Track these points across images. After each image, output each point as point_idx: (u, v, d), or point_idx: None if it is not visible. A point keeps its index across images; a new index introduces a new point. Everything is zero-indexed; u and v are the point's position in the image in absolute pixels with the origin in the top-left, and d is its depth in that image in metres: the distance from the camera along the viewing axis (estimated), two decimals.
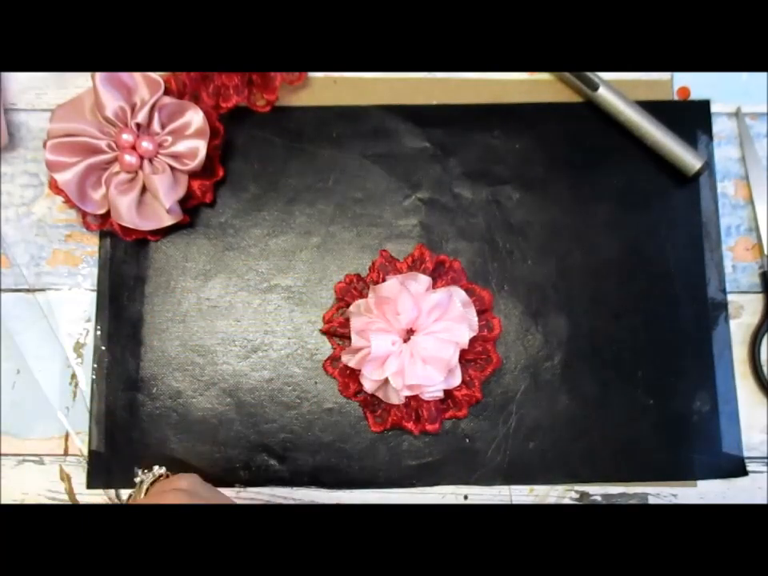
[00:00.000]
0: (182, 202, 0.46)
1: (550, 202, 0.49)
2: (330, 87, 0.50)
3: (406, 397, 0.43)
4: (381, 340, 0.42)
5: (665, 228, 0.48)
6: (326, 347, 0.47)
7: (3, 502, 0.45)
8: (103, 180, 0.45)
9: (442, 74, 0.50)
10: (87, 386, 0.46)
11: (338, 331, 0.46)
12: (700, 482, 0.46)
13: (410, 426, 0.44)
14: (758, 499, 0.46)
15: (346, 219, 0.48)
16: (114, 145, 0.45)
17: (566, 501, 0.46)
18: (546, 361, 0.47)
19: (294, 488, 0.46)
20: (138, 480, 0.44)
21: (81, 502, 0.45)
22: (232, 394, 0.46)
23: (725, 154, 0.50)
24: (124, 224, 0.45)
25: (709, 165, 0.49)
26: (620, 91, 0.49)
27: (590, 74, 0.48)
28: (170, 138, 0.45)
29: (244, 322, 0.47)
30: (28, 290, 0.48)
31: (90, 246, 0.48)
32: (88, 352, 0.47)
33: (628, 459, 0.46)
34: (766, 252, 0.48)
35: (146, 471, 0.45)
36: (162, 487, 0.43)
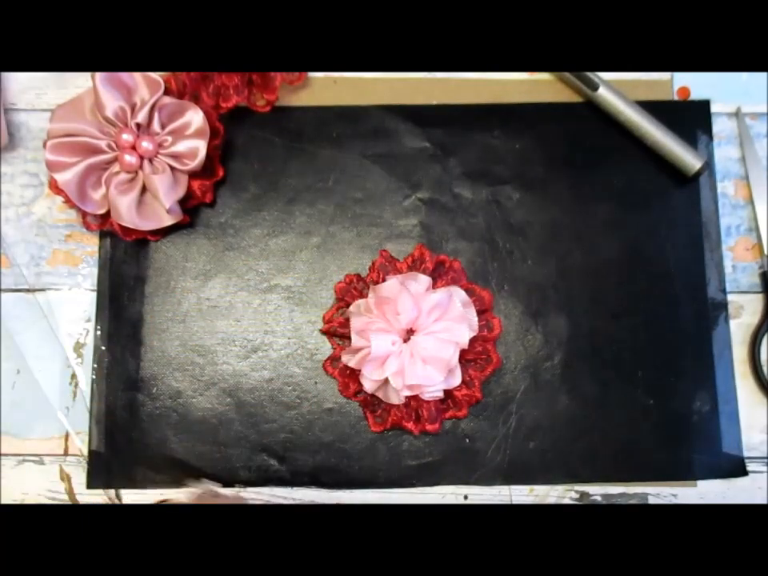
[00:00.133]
0: (182, 202, 0.46)
1: (550, 202, 0.49)
2: (329, 87, 0.50)
3: (406, 397, 0.43)
4: (381, 340, 0.42)
5: (665, 228, 0.48)
6: (326, 347, 0.47)
7: (3, 502, 0.45)
8: (103, 180, 0.45)
9: (441, 74, 0.50)
10: (87, 386, 0.46)
11: (338, 331, 0.46)
12: (700, 482, 0.46)
13: (410, 426, 0.44)
14: (758, 499, 0.46)
15: (346, 219, 0.48)
16: (113, 145, 0.45)
17: (566, 501, 0.46)
18: (545, 361, 0.47)
19: (294, 488, 0.46)
20: None
21: (81, 502, 0.45)
22: (232, 394, 0.46)
23: (725, 154, 0.50)
24: (124, 224, 0.45)
25: (709, 165, 0.49)
26: (620, 91, 0.49)
27: (590, 74, 0.48)
28: (169, 138, 0.45)
29: (244, 322, 0.47)
30: (28, 290, 0.48)
31: (90, 246, 0.48)
32: (88, 352, 0.47)
33: (628, 459, 0.46)
34: (766, 252, 0.48)
35: None
36: None
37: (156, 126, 0.45)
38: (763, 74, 0.51)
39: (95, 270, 0.48)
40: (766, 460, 0.46)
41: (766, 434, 0.47)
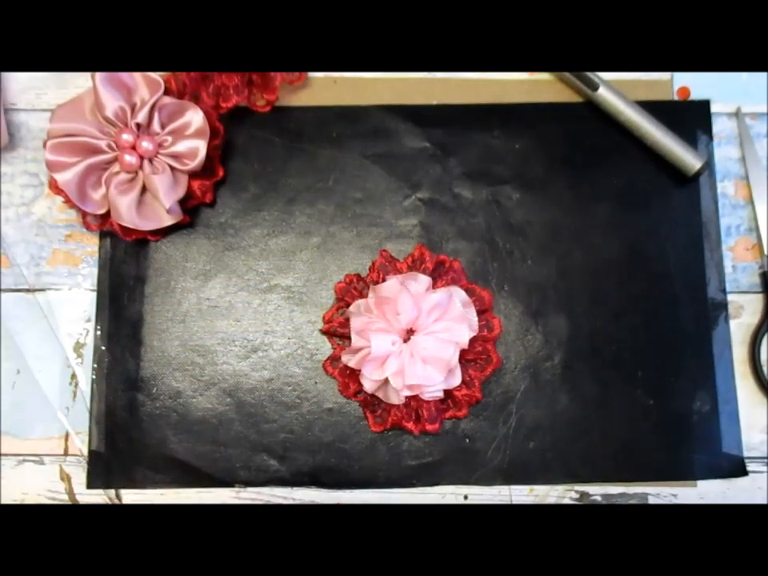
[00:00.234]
0: (182, 202, 0.46)
1: (550, 202, 0.49)
2: (329, 87, 0.50)
3: (406, 397, 0.43)
4: (381, 340, 0.42)
5: (665, 228, 0.48)
6: (326, 347, 0.47)
7: (3, 502, 0.45)
8: (103, 180, 0.45)
9: (441, 74, 0.50)
10: (87, 385, 0.46)
11: (338, 331, 0.46)
12: (700, 482, 0.46)
13: (410, 426, 0.44)
14: (758, 499, 0.46)
15: (345, 219, 0.48)
16: (114, 145, 0.45)
17: (566, 501, 0.46)
18: (545, 361, 0.47)
19: (294, 488, 0.46)
20: None
21: (81, 502, 0.45)
22: (232, 394, 0.46)
23: (725, 154, 0.50)
24: (124, 224, 0.45)
25: (709, 165, 0.49)
26: (620, 91, 0.49)
27: (590, 74, 0.48)
28: (169, 138, 0.45)
29: (244, 321, 0.47)
30: (28, 290, 0.48)
31: (90, 246, 0.48)
32: (88, 352, 0.47)
33: (628, 459, 0.46)
34: (766, 252, 0.48)
35: None
36: None
37: (156, 126, 0.45)
38: (763, 74, 0.51)
39: (95, 270, 0.48)
40: (765, 460, 0.46)
41: (766, 434, 0.47)
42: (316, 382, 0.47)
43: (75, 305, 0.48)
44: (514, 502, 0.46)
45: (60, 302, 0.48)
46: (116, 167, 0.45)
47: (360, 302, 0.44)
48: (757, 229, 0.49)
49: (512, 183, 0.49)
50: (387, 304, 0.42)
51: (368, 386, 0.43)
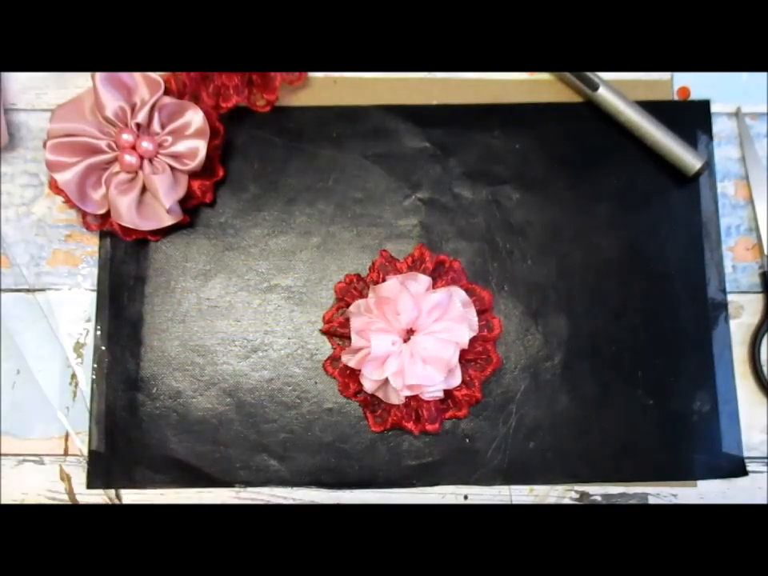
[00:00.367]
0: (182, 202, 0.46)
1: (550, 202, 0.49)
2: (329, 87, 0.50)
3: (406, 397, 0.43)
4: (381, 340, 0.42)
5: (665, 228, 0.48)
6: (326, 347, 0.47)
7: (3, 502, 0.45)
8: (103, 180, 0.45)
9: (441, 74, 0.50)
10: (87, 385, 0.46)
11: (338, 331, 0.46)
12: (700, 482, 0.46)
13: (410, 426, 0.44)
14: (758, 499, 0.46)
15: (345, 219, 0.48)
16: (114, 145, 0.45)
17: (566, 501, 0.46)
18: (545, 361, 0.47)
19: (294, 488, 0.46)
20: None
21: (81, 502, 0.45)
22: (232, 394, 0.46)
23: (725, 154, 0.50)
24: (124, 224, 0.45)
25: (709, 165, 0.49)
26: (620, 91, 0.49)
27: (590, 74, 0.48)
28: (170, 138, 0.45)
29: (244, 321, 0.47)
30: (28, 290, 0.48)
31: (90, 246, 0.48)
32: (88, 352, 0.47)
33: (628, 459, 0.46)
34: (766, 252, 0.48)
35: None
36: None
37: (156, 126, 0.45)
38: (763, 74, 0.51)
39: (95, 270, 0.48)
40: (766, 460, 0.46)
41: (766, 434, 0.47)
42: (316, 382, 0.47)
43: (75, 305, 0.48)
44: (513, 502, 0.46)
45: (60, 301, 0.48)
46: (116, 167, 0.45)
47: (360, 301, 0.44)
48: (757, 229, 0.49)
49: (512, 183, 0.49)
50: (387, 304, 0.42)
51: (368, 385, 0.43)
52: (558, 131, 0.49)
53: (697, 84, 0.50)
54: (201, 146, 0.45)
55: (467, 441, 0.46)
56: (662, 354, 0.47)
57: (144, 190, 0.45)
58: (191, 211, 0.48)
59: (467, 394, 0.45)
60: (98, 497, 0.45)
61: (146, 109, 0.44)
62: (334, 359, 0.46)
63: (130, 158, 0.44)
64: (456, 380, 0.44)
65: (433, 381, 0.42)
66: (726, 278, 0.48)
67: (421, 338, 0.43)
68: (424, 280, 0.44)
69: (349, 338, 0.45)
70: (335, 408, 0.46)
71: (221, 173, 0.48)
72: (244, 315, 0.47)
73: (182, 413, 0.46)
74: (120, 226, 0.45)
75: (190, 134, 0.45)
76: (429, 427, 0.44)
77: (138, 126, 0.45)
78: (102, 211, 0.45)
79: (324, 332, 0.47)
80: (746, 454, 0.46)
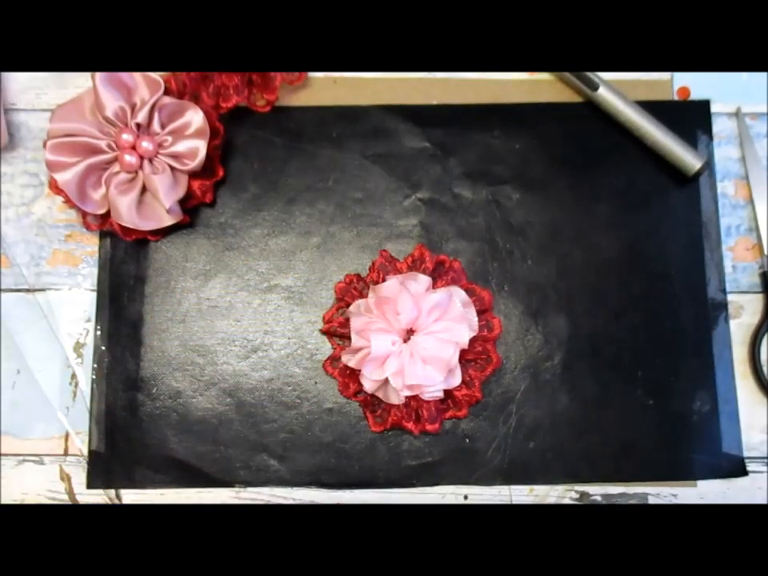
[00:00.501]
0: (182, 202, 0.46)
1: (550, 202, 0.49)
2: (330, 87, 0.50)
3: (406, 397, 0.43)
4: (381, 340, 0.42)
5: (665, 228, 0.48)
6: (326, 347, 0.47)
7: (3, 502, 0.45)
8: (103, 180, 0.45)
9: (441, 74, 0.50)
10: (87, 385, 0.46)
11: (338, 331, 0.46)
12: (700, 482, 0.46)
13: (410, 426, 0.44)
14: (758, 499, 0.46)
15: (345, 219, 0.48)
16: (114, 145, 0.45)
17: (566, 501, 0.46)
18: (545, 361, 0.47)
19: (294, 488, 0.46)
20: None
21: (81, 502, 0.45)
22: (232, 394, 0.46)
23: (725, 154, 0.50)
24: (124, 224, 0.45)
25: (709, 165, 0.49)
26: (620, 91, 0.49)
27: (590, 74, 0.48)
28: (170, 138, 0.45)
29: (244, 321, 0.47)
30: (28, 290, 0.48)
31: (90, 246, 0.48)
32: (88, 352, 0.47)
33: (628, 459, 0.46)
34: (766, 252, 0.48)
35: None
36: None
37: (156, 126, 0.45)
38: (763, 74, 0.51)
39: (95, 270, 0.48)
40: (766, 460, 0.46)
41: (766, 434, 0.47)
42: (316, 382, 0.47)
43: (75, 305, 0.48)
44: (513, 502, 0.46)
45: (60, 301, 0.48)
46: (116, 167, 0.45)
47: (360, 301, 0.44)
48: (757, 229, 0.49)
49: (512, 183, 0.49)
50: (387, 304, 0.42)
51: (368, 386, 0.43)
52: (558, 131, 0.49)
53: (697, 84, 0.50)
54: (201, 146, 0.45)
55: (467, 441, 0.46)
56: (661, 354, 0.47)
57: (144, 190, 0.45)
58: (191, 211, 0.48)
59: (467, 394, 0.45)
60: (98, 497, 0.45)
61: (146, 109, 0.44)
62: (334, 359, 0.46)
63: (130, 158, 0.44)
64: (456, 380, 0.44)
65: (433, 381, 0.42)
66: (726, 278, 0.48)
67: (421, 338, 0.43)
68: (424, 280, 0.44)
69: (349, 338, 0.45)
70: (335, 408, 0.46)
71: (221, 173, 0.48)
72: (244, 315, 0.47)
73: (182, 413, 0.46)
74: (120, 226, 0.45)
75: (190, 134, 0.45)
76: (429, 427, 0.44)
77: (138, 126, 0.45)
78: (102, 211, 0.45)
79: (324, 332, 0.47)
80: (746, 453, 0.46)
